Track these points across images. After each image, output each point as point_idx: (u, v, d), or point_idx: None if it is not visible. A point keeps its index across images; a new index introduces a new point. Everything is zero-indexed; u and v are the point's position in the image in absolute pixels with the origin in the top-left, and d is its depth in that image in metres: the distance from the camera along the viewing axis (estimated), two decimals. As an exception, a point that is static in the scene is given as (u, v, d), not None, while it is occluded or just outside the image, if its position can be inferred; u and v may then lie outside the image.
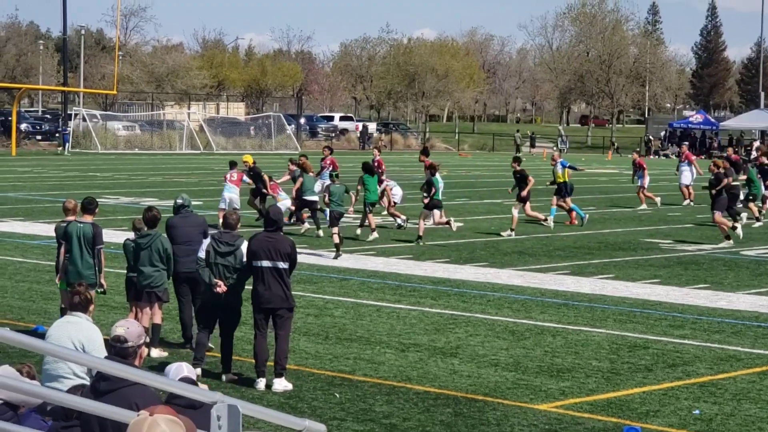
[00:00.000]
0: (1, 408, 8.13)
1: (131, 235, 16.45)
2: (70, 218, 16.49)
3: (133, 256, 15.76)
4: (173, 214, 16.83)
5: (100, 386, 7.57)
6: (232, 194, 30.06)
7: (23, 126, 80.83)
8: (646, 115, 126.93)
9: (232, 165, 31.22)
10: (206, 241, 14.77)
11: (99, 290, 16.25)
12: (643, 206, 39.46)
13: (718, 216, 29.55)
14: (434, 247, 27.58)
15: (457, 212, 36.15)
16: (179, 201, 16.98)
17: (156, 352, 15.53)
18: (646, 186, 40.25)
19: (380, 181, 31.04)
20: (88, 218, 16.23)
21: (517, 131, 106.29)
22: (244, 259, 14.43)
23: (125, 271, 16.46)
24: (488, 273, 23.58)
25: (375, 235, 28.49)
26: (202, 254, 14.62)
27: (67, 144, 74.64)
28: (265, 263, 14.06)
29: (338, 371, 14.80)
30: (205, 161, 67.35)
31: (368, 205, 28.94)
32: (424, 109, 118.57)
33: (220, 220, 30.38)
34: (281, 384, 13.93)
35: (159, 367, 14.45)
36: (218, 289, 14.39)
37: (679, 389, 14.31)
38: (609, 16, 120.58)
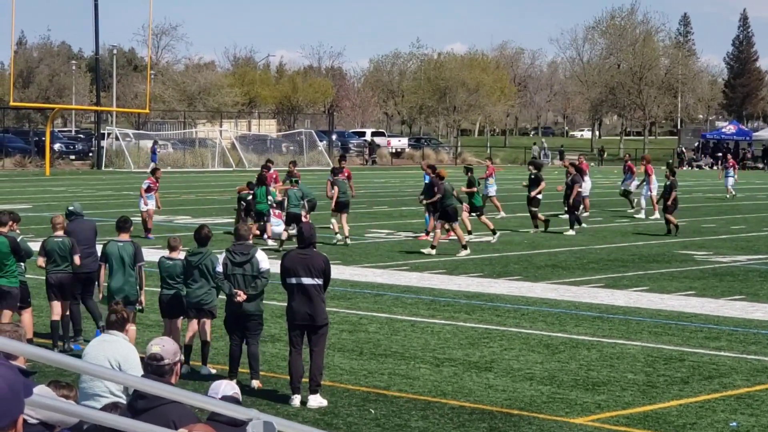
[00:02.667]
0: (38, 428, 8.15)
1: (165, 252, 16.68)
2: (59, 233, 17.29)
3: (184, 272, 15.88)
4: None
5: (138, 404, 7.60)
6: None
7: (57, 146, 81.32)
8: (679, 127, 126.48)
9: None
10: (222, 255, 14.93)
11: (138, 308, 16.54)
12: (502, 213, 39.51)
13: (455, 225, 29.05)
14: (468, 261, 27.57)
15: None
16: (71, 208, 18.52)
17: (206, 369, 15.60)
18: (493, 193, 40.09)
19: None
20: (125, 236, 16.72)
21: (534, 144, 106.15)
22: (261, 266, 14.74)
23: (158, 289, 16.61)
24: (522, 287, 23.53)
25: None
26: (219, 268, 14.82)
27: (154, 163, 75.32)
28: (300, 280, 14.12)
29: (373, 387, 14.80)
30: (237, 178, 67.48)
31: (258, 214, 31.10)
32: (456, 124, 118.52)
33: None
34: (316, 400, 13.95)
35: (208, 382, 14.51)
36: (239, 298, 14.64)
37: (715, 401, 14.23)
38: (639, 28, 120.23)
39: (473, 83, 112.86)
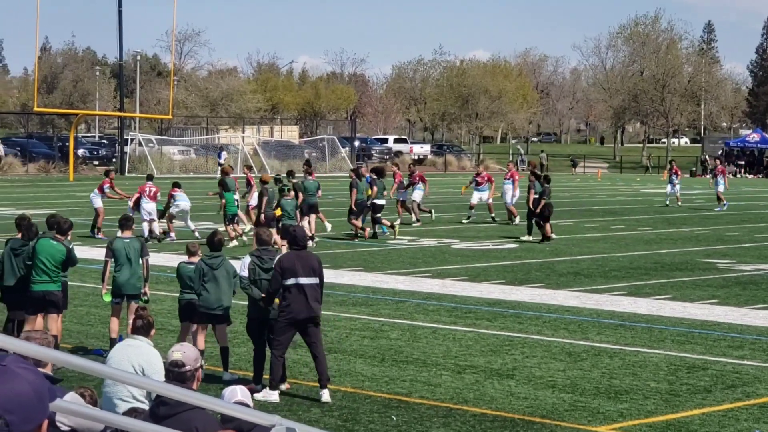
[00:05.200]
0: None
1: (184, 258, 16.85)
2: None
3: (198, 278, 15.92)
4: None
5: (160, 411, 7.60)
6: (150, 206, 32.99)
7: (80, 151, 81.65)
8: (702, 135, 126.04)
9: (149, 178, 34.60)
10: (246, 260, 15.04)
11: (143, 298, 17.16)
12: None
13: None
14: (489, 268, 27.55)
15: (513, 232, 36.06)
16: None
17: (228, 375, 15.65)
18: (418, 200, 39.80)
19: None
20: (128, 233, 17.45)
21: (542, 151, 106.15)
22: None
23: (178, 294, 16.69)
24: (544, 294, 23.48)
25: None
26: (245, 272, 14.90)
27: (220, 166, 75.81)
28: (300, 280, 14.39)
29: (395, 393, 14.79)
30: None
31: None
32: (478, 131, 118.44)
33: (147, 233, 32.26)
34: (327, 395, 14.29)
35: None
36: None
37: (738, 410, 14.17)
38: (662, 35, 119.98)
39: (496, 90, 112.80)
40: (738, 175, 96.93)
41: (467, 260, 29.12)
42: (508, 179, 40.39)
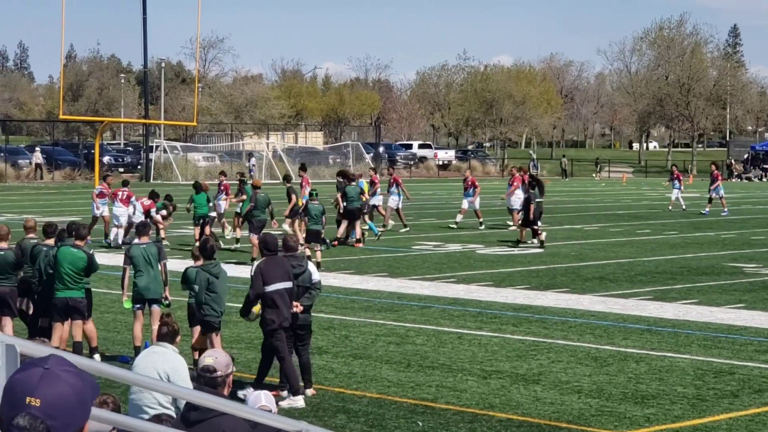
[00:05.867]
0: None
1: (190, 262, 17.02)
2: (31, 235, 17.72)
3: (205, 289, 15.90)
4: None
5: (191, 416, 7.64)
6: (121, 211, 32.66)
7: (106, 159, 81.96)
8: (728, 138, 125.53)
9: (125, 183, 34.40)
10: None
11: (165, 302, 17.33)
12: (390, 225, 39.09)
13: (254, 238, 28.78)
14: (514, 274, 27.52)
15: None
16: None
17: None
18: (393, 206, 39.42)
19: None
20: (145, 239, 17.69)
21: (564, 156, 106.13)
22: (314, 278, 15.18)
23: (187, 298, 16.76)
24: (569, 299, 23.43)
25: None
26: None
27: (253, 173, 76.23)
28: (278, 286, 14.58)
29: (420, 399, 14.78)
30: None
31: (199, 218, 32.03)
32: (502, 136, 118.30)
33: (112, 237, 32.54)
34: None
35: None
36: (296, 309, 14.87)
37: (765, 415, 14.10)
38: (687, 39, 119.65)
39: (520, 95, 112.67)
40: (763, 179, 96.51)
41: (492, 265, 29.09)
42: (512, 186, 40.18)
